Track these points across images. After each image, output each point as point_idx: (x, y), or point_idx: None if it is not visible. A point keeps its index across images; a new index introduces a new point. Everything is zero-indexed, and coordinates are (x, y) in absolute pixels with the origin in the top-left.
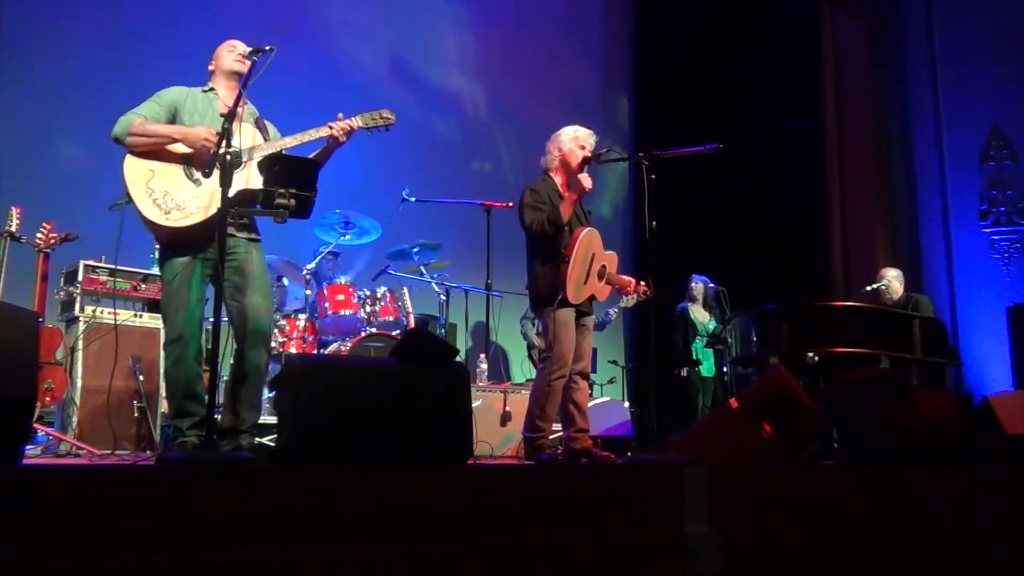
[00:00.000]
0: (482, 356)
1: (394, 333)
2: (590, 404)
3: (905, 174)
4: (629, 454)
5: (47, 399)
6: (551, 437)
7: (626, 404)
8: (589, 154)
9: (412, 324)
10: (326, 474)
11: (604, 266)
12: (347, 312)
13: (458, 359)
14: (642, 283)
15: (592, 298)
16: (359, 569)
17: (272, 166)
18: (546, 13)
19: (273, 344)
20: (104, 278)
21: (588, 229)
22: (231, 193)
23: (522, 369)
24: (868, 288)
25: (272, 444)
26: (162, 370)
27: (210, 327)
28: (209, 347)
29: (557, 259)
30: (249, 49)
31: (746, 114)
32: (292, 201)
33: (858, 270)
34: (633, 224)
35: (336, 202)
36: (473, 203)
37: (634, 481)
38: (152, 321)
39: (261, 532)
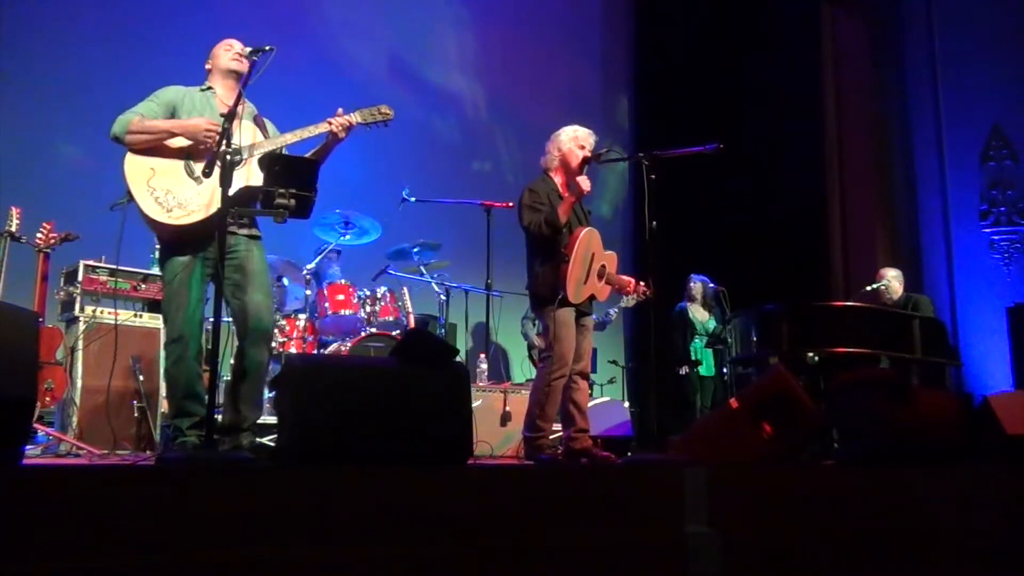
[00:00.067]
0: (482, 356)
1: (394, 333)
2: (590, 404)
3: (905, 174)
4: (629, 454)
5: (47, 399)
6: (551, 437)
7: (626, 404)
8: (589, 154)
9: (412, 324)
10: (326, 474)
11: (604, 266)
12: (347, 312)
13: (458, 359)
14: (642, 283)
15: (592, 298)
16: (359, 569)
17: (272, 166)
18: (546, 13)
19: (273, 344)
20: (104, 278)
21: (588, 229)
22: (232, 191)
23: (522, 369)
24: (868, 288)
25: (272, 444)
26: (162, 370)
27: (210, 327)
28: (209, 347)
29: (557, 259)
30: (248, 49)
31: (746, 114)
32: (292, 201)
33: (858, 270)
34: (633, 224)
35: (336, 202)
36: (473, 203)
37: (634, 481)
38: (152, 321)
39: (261, 532)
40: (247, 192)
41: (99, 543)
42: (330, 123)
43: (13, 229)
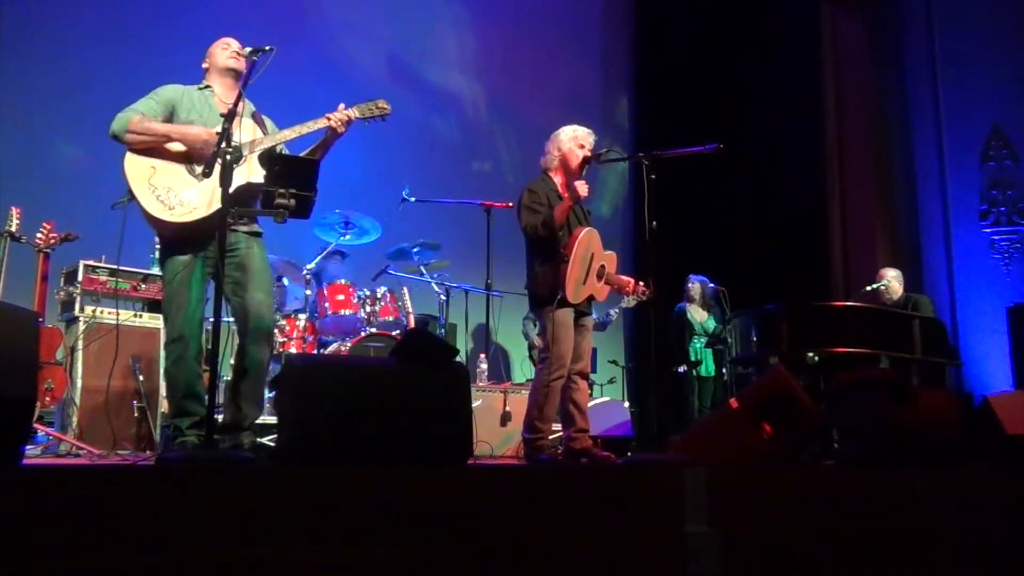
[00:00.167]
0: (482, 356)
1: (394, 333)
2: (590, 404)
3: (905, 174)
4: (629, 454)
5: (47, 399)
6: (551, 437)
7: (626, 404)
8: (589, 154)
9: (412, 324)
10: (326, 474)
11: (603, 266)
12: (347, 312)
13: (458, 359)
14: (641, 283)
15: (591, 298)
16: (359, 569)
17: (272, 166)
18: (546, 13)
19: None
20: (104, 278)
21: (587, 229)
22: (233, 189)
23: (522, 369)
24: (868, 288)
25: (272, 444)
26: (162, 370)
27: (210, 327)
28: (209, 347)
29: (556, 259)
30: (247, 48)
31: (746, 114)
32: (292, 201)
33: (858, 270)
34: (633, 224)
35: (336, 202)
36: (473, 203)
37: (634, 481)
38: (152, 321)
39: (261, 532)
40: (248, 189)
41: (99, 543)
42: (329, 118)
43: (13, 229)
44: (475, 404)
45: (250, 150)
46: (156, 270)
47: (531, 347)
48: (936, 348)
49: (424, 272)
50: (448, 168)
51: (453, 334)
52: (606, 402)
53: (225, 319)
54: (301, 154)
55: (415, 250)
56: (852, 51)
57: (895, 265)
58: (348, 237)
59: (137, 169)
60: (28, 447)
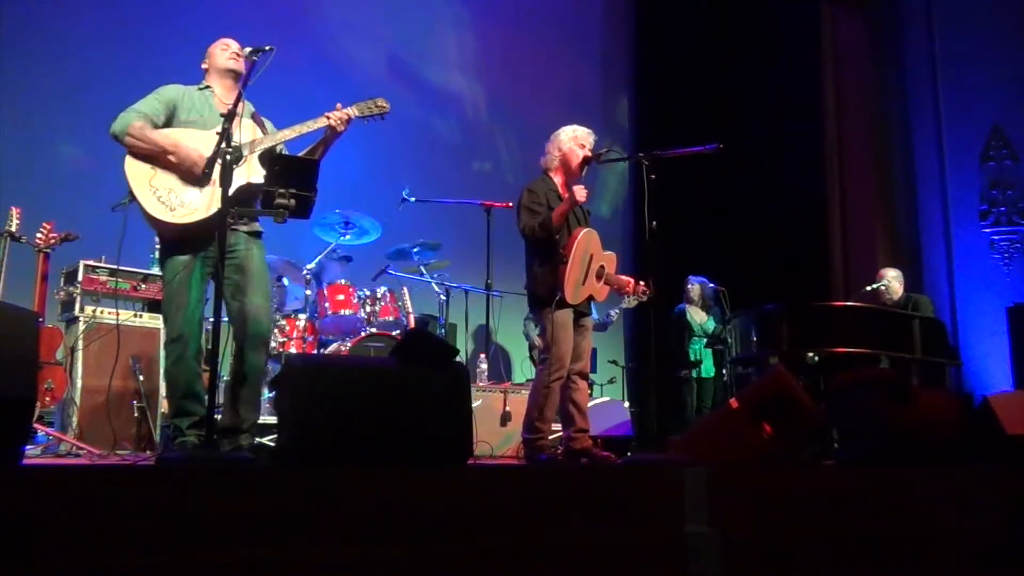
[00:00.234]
0: (482, 356)
1: (394, 333)
2: (590, 404)
3: (905, 174)
4: (629, 454)
5: (47, 399)
6: (551, 437)
7: (626, 404)
8: (589, 153)
9: (412, 324)
10: (326, 474)
11: (603, 266)
12: (347, 312)
13: (458, 359)
14: (641, 283)
15: (591, 298)
16: (359, 569)
17: (272, 166)
18: (546, 13)
19: (273, 344)
20: (104, 278)
21: (586, 230)
22: (233, 189)
23: (522, 369)
24: (868, 288)
25: (272, 444)
26: (162, 370)
27: (210, 327)
28: (209, 347)
29: (555, 260)
30: (247, 48)
31: (746, 114)
32: (292, 201)
33: (858, 270)
34: (633, 224)
35: (336, 202)
36: (473, 203)
37: (634, 481)
38: (152, 321)
39: (261, 532)
40: (248, 190)
41: (99, 543)
42: (328, 117)
43: (13, 229)
44: (475, 404)
45: (250, 150)
46: (156, 270)
47: (532, 347)
48: (936, 348)
49: (424, 272)
50: (448, 168)
51: (453, 334)
52: (606, 402)
53: (224, 319)
54: (300, 154)
55: (415, 250)
56: (852, 51)
57: (895, 265)
58: (348, 237)
59: (138, 170)
60: (28, 447)
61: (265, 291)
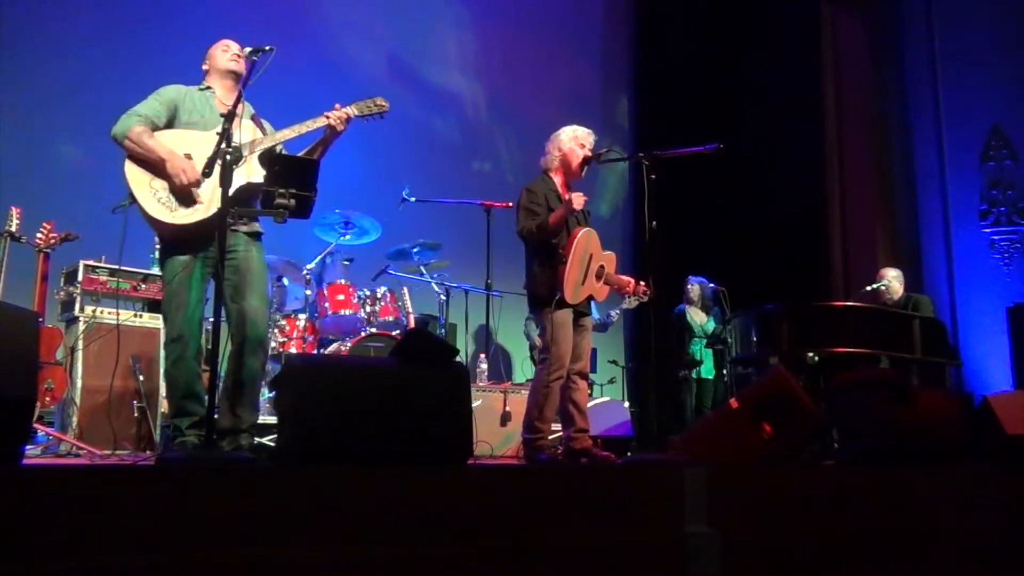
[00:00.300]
0: (482, 356)
1: (394, 333)
2: (590, 404)
3: (905, 174)
4: (629, 454)
5: (47, 399)
6: (551, 437)
7: (626, 404)
8: (589, 153)
9: (412, 324)
10: (326, 474)
11: (603, 266)
12: (347, 312)
13: (458, 359)
14: (641, 283)
15: (591, 298)
16: (359, 569)
17: (272, 166)
18: (546, 13)
19: (273, 344)
20: (104, 278)
21: (586, 229)
22: (233, 190)
23: (523, 369)
24: (868, 288)
25: (272, 444)
26: (162, 370)
27: (210, 327)
28: (209, 347)
29: (555, 260)
30: (248, 49)
31: (746, 114)
32: (292, 201)
33: (858, 270)
34: (633, 224)
35: (336, 202)
36: (473, 203)
37: (634, 481)
38: (152, 321)
39: (261, 532)
40: (248, 190)
41: (99, 543)
42: (327, 117)
43: (13, 229)
44: (475, 404)
45: (250, 150)
46: (156, 270)
47: (532, 347)
48: (936, 348)
49: (424, 272)
50: (448, 168)
51: (453, 334)
52: (606, 402)
53: (223, 320)
54: (300, 154)
55: (415, 250)
56: (852, 51)
57: (895, 265)
58: (348, 237)
59: (137, 172)
60: (28, 447)
61: (263, 293)
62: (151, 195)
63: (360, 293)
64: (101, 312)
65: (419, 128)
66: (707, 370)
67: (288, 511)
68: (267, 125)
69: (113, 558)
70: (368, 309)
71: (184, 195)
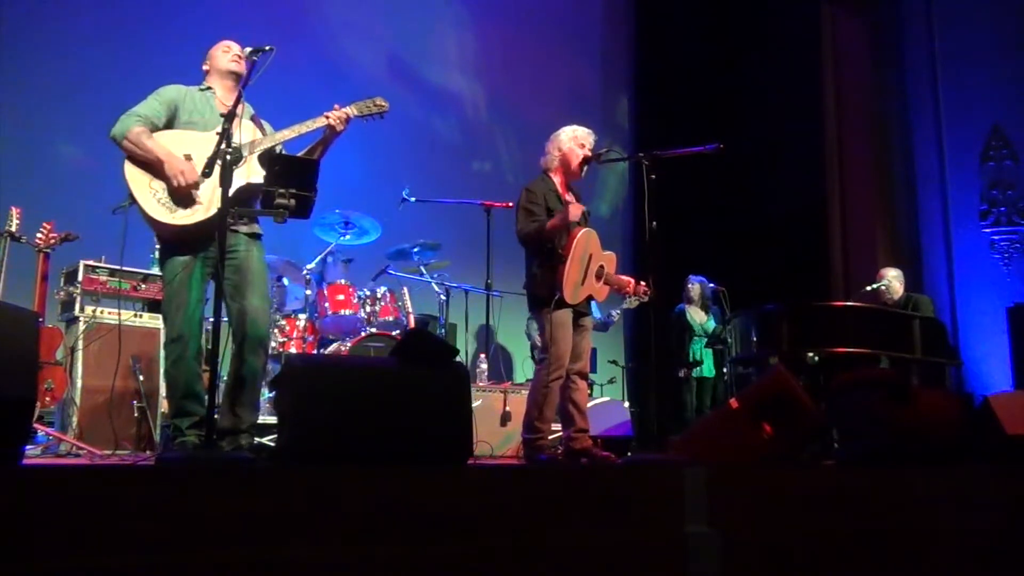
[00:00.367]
0: (482, 356)
1: (394, 333)
2: (590, 404)
3: (905, 174)
4: (629, 454)
5: (47, 399)
6: (551, 437)
7: (626, 404)
8: (589, 153)
9: (412, 324)
10: (326, 474)
11: (602, 266)
12: (347, 312)
13: (458, 359)
14: (641, 283)
15: (590, 298)
16: (359, 569)
17: (272, 166)
18: (546, 13)
19: (273, 344)
20: (104, 278)
21: (585, 230)
22: (233, 190)
23: (523, 369)
24: (868, 288)
25: (272, 444)
26: (162, 370)
27: (210, 327)
28: (209, 347)
29: (554, 260)
30: (248, 49)
31: (746, 114)
32: (292, 201)
33: (858, 270)
34: (633, 224)
35: (336, 202)
36: (473, 203)
37: (634, 481)
38: (152, 321)
39: (261, 532)
40: (248, 190)
41: (99, 543)
42: (327, 117)
43: (13, 229)
44: (475, 404)
45: (250, 151)
46: (156, 270)
47: (533, 347)
48: (936, 348)
49: (424, 272)
50: (448, 168)
51: (453, 334)
52: (606, 402)
53: (223, 320)
54: (300, 154)
55: (415, 250)
56: (852, 51)
57: (895, 265)
58: (348, 237)
59: (137, 173)
60: (28, 447)
61: (264, 293)
62: (151, 196)
63: (360, 293)
64: (101, 312)
65: (419, 128)
66: (707, 370)
67: (288, 511)
68: (267, 125)
69: (113, 558)
70: (368, 309)
71: (183, 196)
